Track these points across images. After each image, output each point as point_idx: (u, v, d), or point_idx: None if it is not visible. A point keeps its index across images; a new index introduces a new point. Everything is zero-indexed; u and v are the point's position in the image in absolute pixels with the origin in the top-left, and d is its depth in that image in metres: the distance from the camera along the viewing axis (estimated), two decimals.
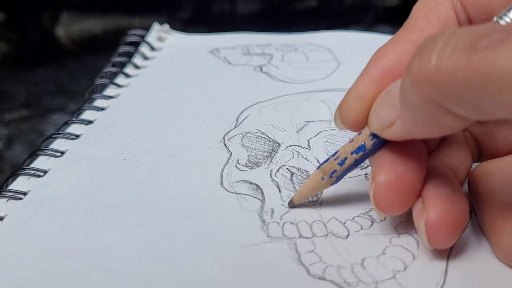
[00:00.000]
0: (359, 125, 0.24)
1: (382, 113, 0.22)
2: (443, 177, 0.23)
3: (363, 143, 0.23)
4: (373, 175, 0.23)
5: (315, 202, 0.27)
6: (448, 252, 0.24)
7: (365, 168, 0.30)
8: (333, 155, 0.25)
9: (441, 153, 0.25)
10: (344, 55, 0.45)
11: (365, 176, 0.29)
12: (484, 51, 0.15)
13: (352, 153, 0.24)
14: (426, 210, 0.22)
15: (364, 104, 0.23)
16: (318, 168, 0.25)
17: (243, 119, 0.35)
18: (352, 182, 0.28)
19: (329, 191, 0.28)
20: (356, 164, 0.24)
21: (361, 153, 0.24)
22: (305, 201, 0.27)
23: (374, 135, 0.23)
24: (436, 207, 0.22)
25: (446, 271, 0.23)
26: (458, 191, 0.23)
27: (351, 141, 0.24)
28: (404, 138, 0.22)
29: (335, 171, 0.24)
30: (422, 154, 0.23)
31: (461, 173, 0.25)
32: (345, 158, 0.24)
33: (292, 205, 0.27)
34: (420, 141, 0.24)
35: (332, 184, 0.25)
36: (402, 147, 0.23)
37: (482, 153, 0.27)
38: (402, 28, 0.24)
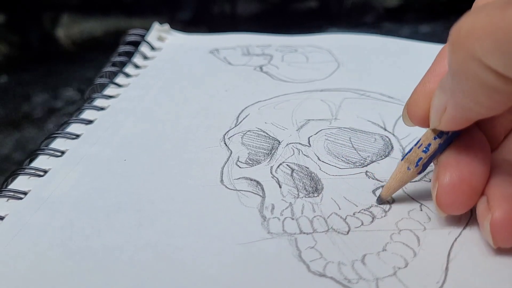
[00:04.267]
0: (427, 121, 0.24)
1: (436, 102, 0.22)
2: (507, 175, 0.23)
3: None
4: (438, 175, 0.23)
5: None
6: (449, 249, 0.23)
7: (365, 166, 0.30)
8: (415, 144, 0.25)
9: (505, 150, 0.25)
10: (344, 56, 0.45)
11: (366, 174, 0.29)
12: None
13: (435, 138, 0.24)
14: (491, 210, 0.22)
15: (430, 100, 0.24)
16: (402, 159, 0.25)
17: (243, 118, 0.35)
18: (353, 178, 0.28)
19: (330, 186, 0.28)
20: (440, 149, 0.24)
21: (444, 137, 0.24)
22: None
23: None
24: (501, 207, 0.22)
25: (447, 268, 0.22)
26: None
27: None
28: (460, 121, 0.22)
29: (420, 159, 0.24)
30: (486, 154, 0.24)
31: None
32: (429, 144, 0.24)
33: (381, 201, 0.26)
34: (485, 140, 0.24)
35: (419, 173, 0.25)
36: (466, 147, 0.23)
37: None
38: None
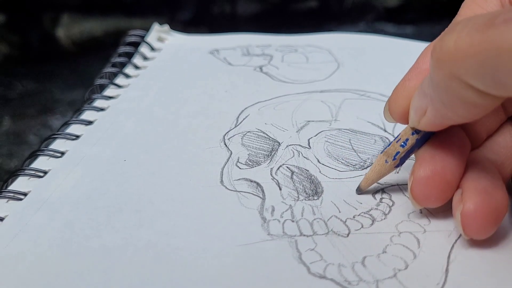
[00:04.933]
0: (407, 118, 0.25)
1: (416, 103, 0.23)
2: (484, 171, 0.24)
3: None
4: (413, 169, 0.24)
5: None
6: (449, 251, 0.23)
7: (365, 168, 0.30)
8: (395, 139, 0.25)
9: (485, 149, 0.26)
10: (344, 56, 0.45)
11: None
12: (499, 26, 0.17)
13: (413, 133, 0.25)
14: (463, 202, 0.23)
15: (411, 98, 0.24)
16: (381, 152, 0.26)
17: (243, 119, 0.35)
18: (353, 181, 0.28)
19: (329, 189, 0.28)
20: (417, 144, 0.25)
21: (422, 133, 0.25)
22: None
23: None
24: (473, 199, 0.22)
25: (447, 270, 0.22)
26: (498, 185, 0.23)
27: None
28: (438, 126, 0.23)
29: (398, 153, 0.25)
30: (463, 150, 0.24)
31: (506, 170, 0.26)
32: (407, 139, 0.25)
33: (359, 191, 0.27)
34: (465, 137, 0.25)
35: (396, 166, 0.26)
36: (443, 143, 0.24)
37: None
38: (451, 25, 0.25)
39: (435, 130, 0.23)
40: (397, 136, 0.25)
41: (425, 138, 0.25)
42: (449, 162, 0.24)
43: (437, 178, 0.23)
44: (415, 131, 0.25)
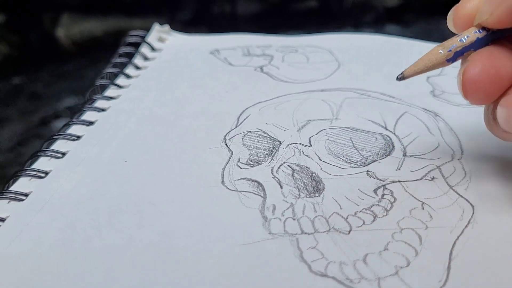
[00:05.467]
0: (472, 22, 0.25)
1: None
2: None
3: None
4: (466, 67, 0.24)
5: None
6: (451, 248, 0.23)
7: (366, 165, 0.29)
8: (456, 35, 0.25)
9: None
10: (345, 56, 0.45)
11: (367, 173, 0.29)
12: None
13: (475, 32, 0.25)
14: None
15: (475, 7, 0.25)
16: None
17: (244, 119, 0.35)
18: (354, 178, 0.28)
19: (331, 186, 0.28)
20: (476, 43, 0.25)
21: (484, 32, 0.25)
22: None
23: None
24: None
25: (449, 267, 0.22)
26: None
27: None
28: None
29: (454, 45, 0.25)
30: None
31: None
32: (467, 36, 0.25)
33: (402, 77, 0.26)
34: None
35: (449, 60, 0.25)
36: (501, 48, 0.24)
37: None
38: None
39: (506, 26, 0.23)
40: (459, 34, 0.25)
41: (485, 41, 0.25)
42: (506, 61, 0.24)
43: (492, 72, 0.23)
44: (479, 30, 0.24)
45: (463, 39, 0.25)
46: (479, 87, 0.24)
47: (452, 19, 0.26)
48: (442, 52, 0.25)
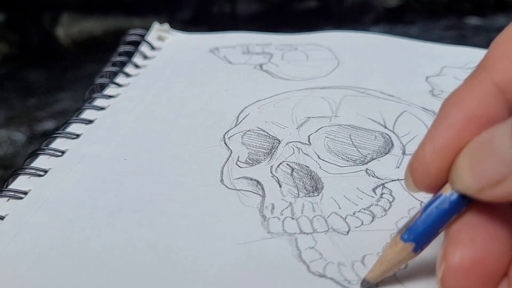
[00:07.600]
0: (437, 186, 0.20)
1: (484, 169, 0.17)
2: None
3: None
4: (445, 251, 0.19)
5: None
6: None
7: (365, 163, 0.29)
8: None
9: None
10: (344, 54, 0.45)
11: (366, 171, 0.29)
12: None
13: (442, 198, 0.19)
14: None
15: (444, 160, 0.19)
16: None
17: (243, 118, 0.35)
18: (353, 176, 0.28)
19: (330, 185, 0.28)
20: (449, 213, 0.19)
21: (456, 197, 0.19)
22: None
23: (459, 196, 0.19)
24: None
25: None
26: None
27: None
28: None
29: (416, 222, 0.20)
30: (510, 226, 0.19)
31: None
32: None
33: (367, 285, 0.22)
34: (509, 208, 0.19)
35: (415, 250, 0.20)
36: (484, 218, 0.19)
37: None
38: (478, 69, 0.21)
39: (503, 201, 0.18)
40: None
41: (459, 207, 0.19)
42: (494, 244, 0.18)
43: (479, 267, 0.18)
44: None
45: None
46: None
47: (411, 183, 0.20)
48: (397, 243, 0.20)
